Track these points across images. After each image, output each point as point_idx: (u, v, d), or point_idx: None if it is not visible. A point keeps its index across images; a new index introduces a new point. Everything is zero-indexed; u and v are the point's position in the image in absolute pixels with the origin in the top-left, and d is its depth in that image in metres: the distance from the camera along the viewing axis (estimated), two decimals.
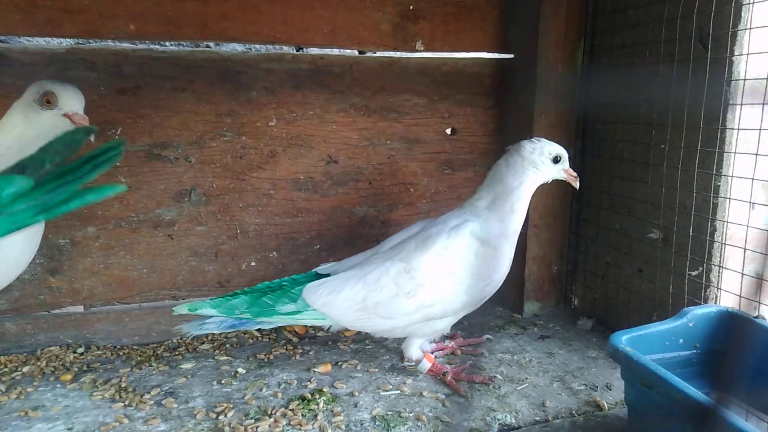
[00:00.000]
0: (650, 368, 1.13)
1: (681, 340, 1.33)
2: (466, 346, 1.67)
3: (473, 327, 1.81)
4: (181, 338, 1.70)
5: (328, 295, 1.37)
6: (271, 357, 1.61)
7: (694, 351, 1.34)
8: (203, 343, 1.69)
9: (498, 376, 1.49)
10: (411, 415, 1.32)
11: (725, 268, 1.42)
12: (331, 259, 1.69)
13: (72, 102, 1.29)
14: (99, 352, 1.63)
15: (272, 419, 1.29)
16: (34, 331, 1.64)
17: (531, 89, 1.80)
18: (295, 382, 1.47)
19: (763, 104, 1.28)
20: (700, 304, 1.45)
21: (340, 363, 1.57)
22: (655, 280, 1.60)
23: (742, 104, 1.35)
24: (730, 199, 1.40)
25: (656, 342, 1.31)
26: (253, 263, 1.82)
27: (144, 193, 1.68)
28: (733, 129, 1.38)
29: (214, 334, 1.73)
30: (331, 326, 1.47)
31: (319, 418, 1.30)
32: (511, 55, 1.93)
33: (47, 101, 1.27)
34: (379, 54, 1.87)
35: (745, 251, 1.34)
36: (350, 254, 1.55)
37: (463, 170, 1.98)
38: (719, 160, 1.40)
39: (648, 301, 1.63)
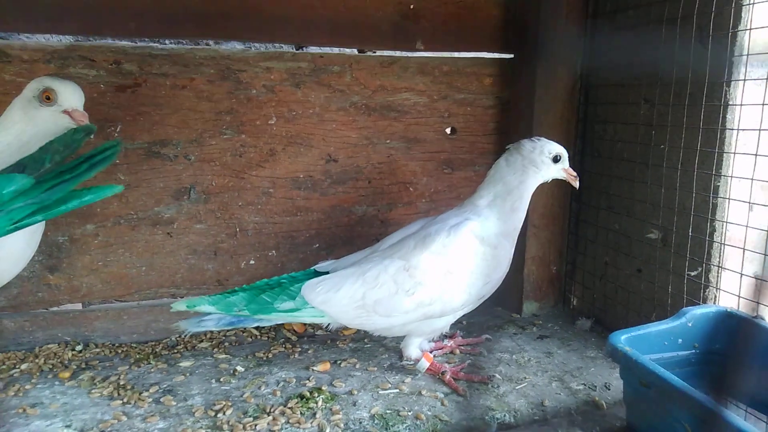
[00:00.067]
0: (649, 368, 1.13)
1: (680, 340, 1.33)
2: (464, 345, 1.67)
3: (472, 326, 1.81)
4: (179, 336, 1.69)
5: (326, 292, 1.37)
6: (270, 355, 1.61)
7: (693, 351, 1.34)
8: (202, 341, 1.69)
9: (497, 375, 1.49)
10: (410, 413, 1.32)
11: (724, 269, 1.43)
12: (330, 257, 1.68)
13: (72, 99, 1.29)
14: (97, 350, 1.62)
15: (271, 417, 1.29)
16: (32, 329, 1.63)
17: (531, 89, 1.81)
18: (294, 380, 1.46)
19: (763, 104, 1.28)
20: (699, 304, 1.45)
21: (338, 362, 1.57)
22: (654, 281, 1.60)
23: (741, 105, 1.35)
24: (729, 199, 1.40)
25: (655, 342, 1.31)
26: (252, 261, 1.82)
27: (143, 190, 1.68)
28: (732, 129, 1.38)
29: (212, 332, 1.73)
30: (329, 324, 1.47)
31: (317, 416, 1.30)
32: (511, 55, 1.94)
33: (47, 98, 1.27)
34: (379, 53, 1.87)
35: (744, 252, 1.34)
36: (349, 253, 1.55)
37: (462, 170, 1.98)
38: (719, 161, 1.41)
39: (647, 302, 1.63)
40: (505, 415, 1.34)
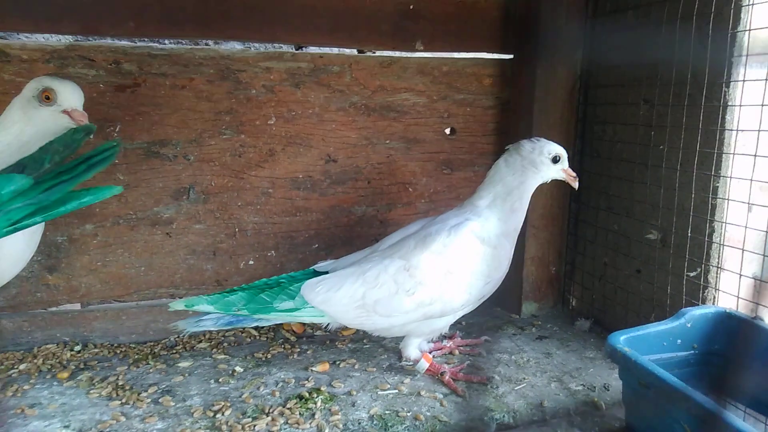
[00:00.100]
0: (648, 368, 1.13)
1: (679, 341, 1.33)
2: (463, 346, 1.67)
3: (471, 327, 1.81)
4: (178, 337, 1.69)
5: (326, 292, 1.37)
6: (269, 356, 1.61)
7: (692, 352, 1.34)
8: (201, 341, 1.69)
9: (496, 376, 1.49)
10: (409, 414, 1.32)
11: (723, 269, 1.43)
12: (329, 258, 1.68)
13: (71, 98, 1.28)
14: (96, 350, 1.62)
15: (270, 418, 1.29)
16: (31, 329, 1.63)
17: (530, 90, 1.81)
18: (293, 380, 1.46)
19: (762, 105, 1.28)
20: (698, 305, 1.45)
21: (338, 362, 1.57)
22: (653, 281, 1.60)
23: (741, 105, 1.35)
24: (728, 200, 1.40)
25: (654, 342, 1.31)
26: (251, 262, 1.82)
27: (142, 191, 1.68)
28: (732, 130, 1.38)
29: (211, 332, 1.73)
30: (329, 324, 1.47)
31: (316, 417, 1.30)
32: (511, 56, 1.94)
33: (46, 97, 1.27)
34: (378, 53, 1.87)
35: (743, 252, 1.34)
36: (348, 253, 1.55)
37: (461, 170, 1.98)
38: (718, 161, 1.41)
39: (646, 302, 1.63)
40: (504, 416, 1.34)
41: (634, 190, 1.66)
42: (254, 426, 1.26)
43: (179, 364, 1.54)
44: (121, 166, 1.64)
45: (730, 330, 1.32)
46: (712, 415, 0.98)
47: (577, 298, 1.95)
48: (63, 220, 1.62)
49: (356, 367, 1.55)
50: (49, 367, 1.52)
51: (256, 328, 1.74)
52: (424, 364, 1.48)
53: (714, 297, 1.45)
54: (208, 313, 1.37)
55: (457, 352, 1.65)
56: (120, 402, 1.35)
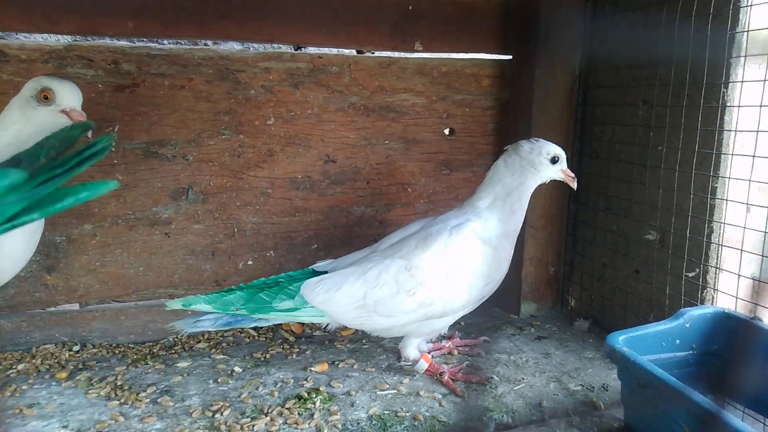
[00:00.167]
0: (647, 369, 1.13)
1: (678, 341, 1.33)
2: (463, 346, 1.67)
3: (470, 327, 1.81)
4: (177, 337, 1.69)
5: (326, 292, 1.37)
6: (268, 356, 1.61)
7: (691, 352, 1.34)
8: (199, 341, 1.69)
9: (495, 376, 1.49)
10: (408, 414, 1.32)
11: (722, 270, 1.43)
12: (328, 258, 1.68)
13: (70, 98, 1.28)
14: (95, 350, 1.62)
15: (268, 418, 1.29)
16: (29, 329, 1.63)
17: (529, 90, 1.81)
18: (292, 381, 1.46)
19: (761, 106, 1.28)
20: (697, 305, 1.45)
21: (336, 362, 1.57)
22: (651, 282, 1.60)
23: (739, 106, 1.36)
24: (727, 200, 1.41)
25: (653, 343, 1.31)
26: (250, 262, 1.82)
27: (141, 191, 1.68)
28: (730, 131, 1.38)
29: (210, 333, 1.72)
30: (328, 324, 1.47)
31: (315, 417, 1.30)
32: (510, 56, 1.94)
33: (45, 97, 1.27)
34: (377, 54, 1.87)
35: (741, 253, 1.35)
36: (347, 254, 1.55)
37: (461, 171, 1.98)
38: (716, 162, 1.41)
39: (645, 303, 1.63)
40: (503, 416, 1.34)
41: (633, 191, 1.66)
42: (253, 426, 1.26)
43: (178, 365, 1.54)
44: (119, 166, 1.64)
45: (729, 330, 1.32)
46: (711, 415, 0.99)
47: (576, 298, 1.95)
48: (61, 220, 1.62)
49: (355, 367, 1.55)
50: (48, 367, 1.52)
51: (254, 328, 1.74)
52: (423, 365, 1.48)
53: (712, 297, 1.45)
54: (206, 313, 1.37)
55: (456, 352, 1.65)
56: (119, 402, 1.35)
